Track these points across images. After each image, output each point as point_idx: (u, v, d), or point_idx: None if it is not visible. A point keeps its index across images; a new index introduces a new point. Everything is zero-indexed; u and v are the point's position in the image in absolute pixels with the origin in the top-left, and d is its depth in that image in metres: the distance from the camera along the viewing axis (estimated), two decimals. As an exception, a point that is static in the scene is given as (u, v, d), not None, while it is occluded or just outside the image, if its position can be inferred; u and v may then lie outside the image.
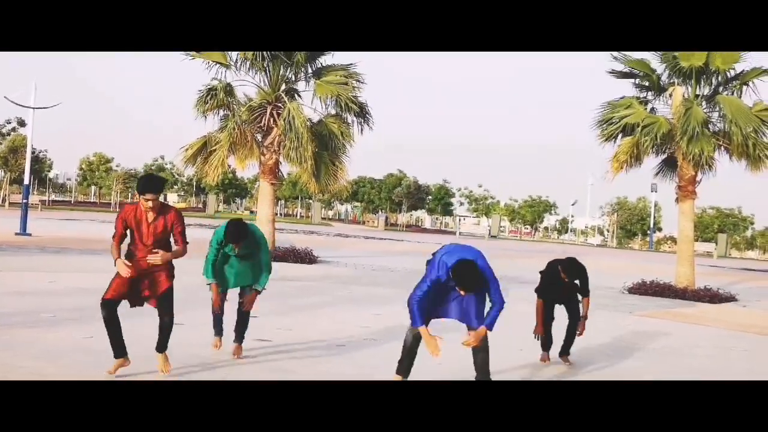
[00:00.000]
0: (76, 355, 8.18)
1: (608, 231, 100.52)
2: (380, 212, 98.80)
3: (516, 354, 9.98)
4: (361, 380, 7.66)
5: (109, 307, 7.16)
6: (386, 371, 7.77)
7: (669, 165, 22.85)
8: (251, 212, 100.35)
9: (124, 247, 7.35)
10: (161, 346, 7.51)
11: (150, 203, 7.05)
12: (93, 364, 7.68)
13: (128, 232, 7.29)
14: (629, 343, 12.22)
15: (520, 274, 22.82)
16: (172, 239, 7.39)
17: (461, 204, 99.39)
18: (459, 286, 6.65)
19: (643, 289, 21.41)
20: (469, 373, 7.36)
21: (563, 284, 9.47)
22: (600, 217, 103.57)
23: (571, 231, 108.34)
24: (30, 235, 27.56)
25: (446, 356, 7.36)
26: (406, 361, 7.25)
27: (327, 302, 14.49)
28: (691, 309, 18.29)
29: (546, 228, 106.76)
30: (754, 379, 9.68)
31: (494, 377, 7.35)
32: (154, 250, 7.18)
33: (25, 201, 30.10)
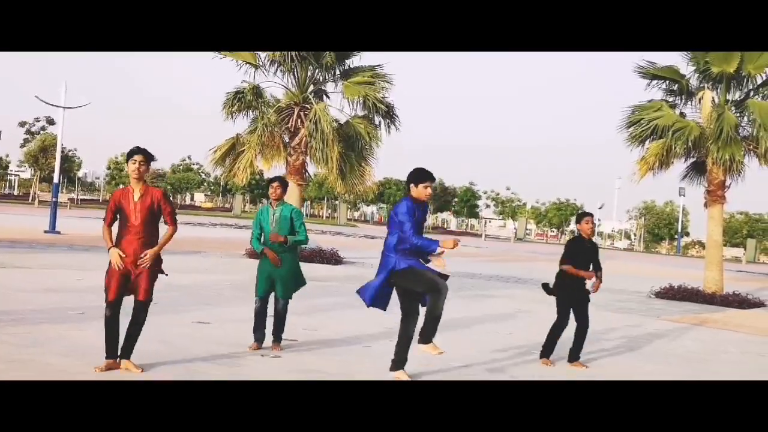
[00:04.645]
0: (104, 352, 8.24)
1: (635, 235, 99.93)
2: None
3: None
4: (379, 380, 7.68)
5: (113, 308, 7.30)
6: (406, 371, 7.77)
7: (697, 169, 22.64)
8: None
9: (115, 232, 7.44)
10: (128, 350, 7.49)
11: (136, 164, 7.18)
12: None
13: (118, 216, 7.34)
14: (654, 347, 12.13)
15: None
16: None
17: (487, 206, 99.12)
18: (430, 180, 7.60)
19: (671, 293, 21.28)
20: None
21: (586, 247, 9.72)
22: (627, 221, 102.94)
23: (597, 234, 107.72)
24: (59, 233, 27.86)
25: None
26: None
27: (352, 303, 14.48)
28: (719, 314, 18.13)
29: (572, 231, 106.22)
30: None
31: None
32: (141, 255, 7.24)
33: (54, 199, 30.47)
